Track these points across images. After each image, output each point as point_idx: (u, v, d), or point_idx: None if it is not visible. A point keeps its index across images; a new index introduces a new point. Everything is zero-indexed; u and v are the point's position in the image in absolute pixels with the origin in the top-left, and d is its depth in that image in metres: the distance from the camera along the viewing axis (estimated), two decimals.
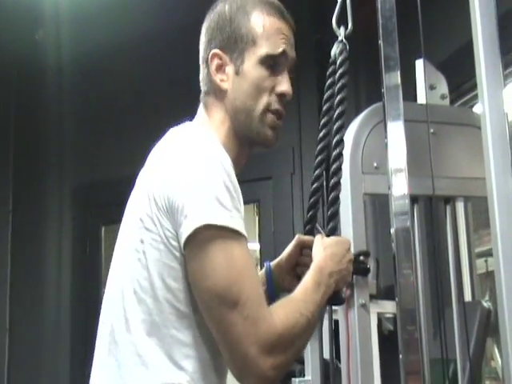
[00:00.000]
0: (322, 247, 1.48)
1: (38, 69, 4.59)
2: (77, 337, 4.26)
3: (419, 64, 2.09)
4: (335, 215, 1.54)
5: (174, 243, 1.31)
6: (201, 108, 1.54)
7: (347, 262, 1.49)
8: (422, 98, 2.09)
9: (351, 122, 2.01)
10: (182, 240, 1.29)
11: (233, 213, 1.27)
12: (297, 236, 1.66)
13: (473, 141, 2.05)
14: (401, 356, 1.44)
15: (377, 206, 2.95)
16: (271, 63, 1.47)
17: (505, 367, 1.34)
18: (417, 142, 1.91)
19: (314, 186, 1.63)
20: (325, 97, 1.65)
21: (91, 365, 1.45)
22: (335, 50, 1.63)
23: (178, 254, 1.31)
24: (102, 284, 4.48)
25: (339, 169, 1.57)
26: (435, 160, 1.93)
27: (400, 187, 1.60)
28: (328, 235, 1.54)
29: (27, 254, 4.71)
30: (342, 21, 1.69)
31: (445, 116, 2.07)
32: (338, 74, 1.58)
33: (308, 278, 1.39)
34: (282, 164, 3.96)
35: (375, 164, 1.89)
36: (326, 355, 1.88)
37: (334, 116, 1.59)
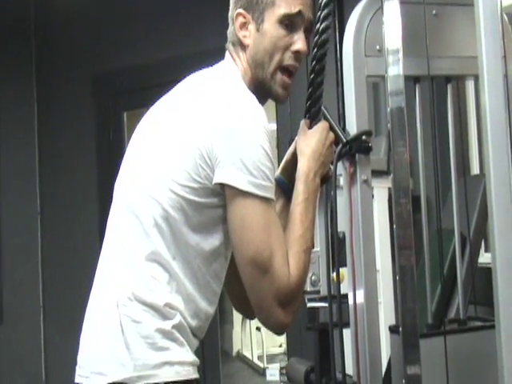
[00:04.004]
0: (302, 147, 1.67)
1: None
2: (104, 223, 4.43)
3: None
4: (319, 99, 1.67)
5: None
6: (227, 55, 1.70)
7: (327, 148, 1.68)
8: None
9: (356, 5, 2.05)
10: (219, 180, 1.48)
11: (271, 183, 1.48)
12: (293, 142, 1.79)
13: None
14: (395, 228, 1.56)
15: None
16: (288, 22, 1.62)
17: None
18: (419, 24, 1.96)
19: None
20: None
21: None
22: None
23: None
24: None
25: (325, 54, 1.66)
26: (438, 41, 1.99)
27: (395, 67, 1.67)
28: (311, 120, 1.65)
29: (53, 143, 4.85)
30: None
31: None
32: None
33: (297, 201, 1.60)
34: None
35: (378, 47, 1.94)
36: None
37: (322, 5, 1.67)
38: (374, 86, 2.88)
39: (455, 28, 2.08)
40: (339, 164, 1.77)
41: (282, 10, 1.61)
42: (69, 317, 4.63)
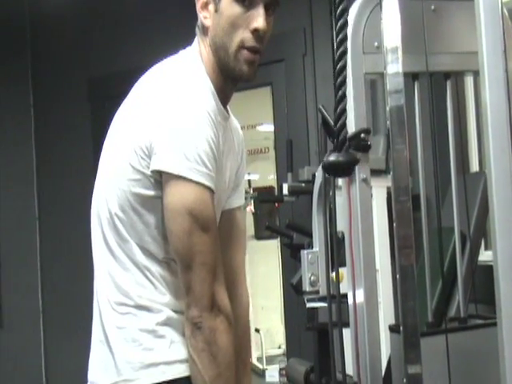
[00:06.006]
0: None
1: None
2: None
3: None
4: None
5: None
6: (195, 39, 1.64)
7: None
8: None
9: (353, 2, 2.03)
10: (153, 167, 1.47)
11: (206, 169, 1.45)
12: None
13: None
14: (395, 227, 1.53)
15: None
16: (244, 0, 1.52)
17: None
18: (418, 20, 1.94)
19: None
20: None
21: None
22: None
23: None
24: None
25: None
26: (436, 37, 1.97)
27: (394, 65, 1.65)
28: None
29: (51, 147, 4.84)
30: None
31: None
32: None
33: None
34: (293, 46, 3.97)
35: (376, 44, 1.92)
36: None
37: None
38: (371, 84, 2.86)
39: (454, 23, 2.07)
40: None
41: None
42: (69, 321, 4.62)
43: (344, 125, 1.56)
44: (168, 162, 1.43)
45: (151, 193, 1.49)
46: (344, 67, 1.58)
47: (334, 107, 1.58)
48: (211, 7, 1.56)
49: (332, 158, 1.55)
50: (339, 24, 1.60)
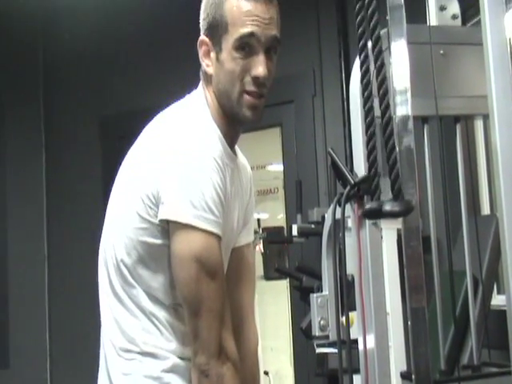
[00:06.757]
0: None
1: (62, 11, 4.65)
2: None
3: None
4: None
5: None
6: (200, 83, 1.65)
7: None
8: (432, 20, 2.11)
9: None
10: (161, 216, 1.48)
11: (213, 216, 1.45)
12: None
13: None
14: (406, 270, 1.52)
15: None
16: (243, 45, 1.53)
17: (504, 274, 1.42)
18: (427, 65, 1.95)
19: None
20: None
21: None
22: None
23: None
24: None
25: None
26: (446, 80, 1.97)
27: (404, 108, 1.65)
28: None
29: (61, 186, 4.85)
30: None
31: (455, 37, 2.08)
32: None
33: None
34: (303, 87, 3.99)
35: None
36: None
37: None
38: (381, 127, 2.85)
39: (463, 67, 2.07)
40: (347, 206, 1.74)
41: (234, 35, 1.53)
42: (75, 362, 4.58)
43: (398, 175, 1.58)
44: (175, 211, 1.44)
45: (158, 241, 1.49)
46: (390, 118, 1.60)
47: (386, 158, 1.63)
48: (213, 55, 1.58)
49: (388, 207, 1.58)
50: (379, 80, 1.62)
